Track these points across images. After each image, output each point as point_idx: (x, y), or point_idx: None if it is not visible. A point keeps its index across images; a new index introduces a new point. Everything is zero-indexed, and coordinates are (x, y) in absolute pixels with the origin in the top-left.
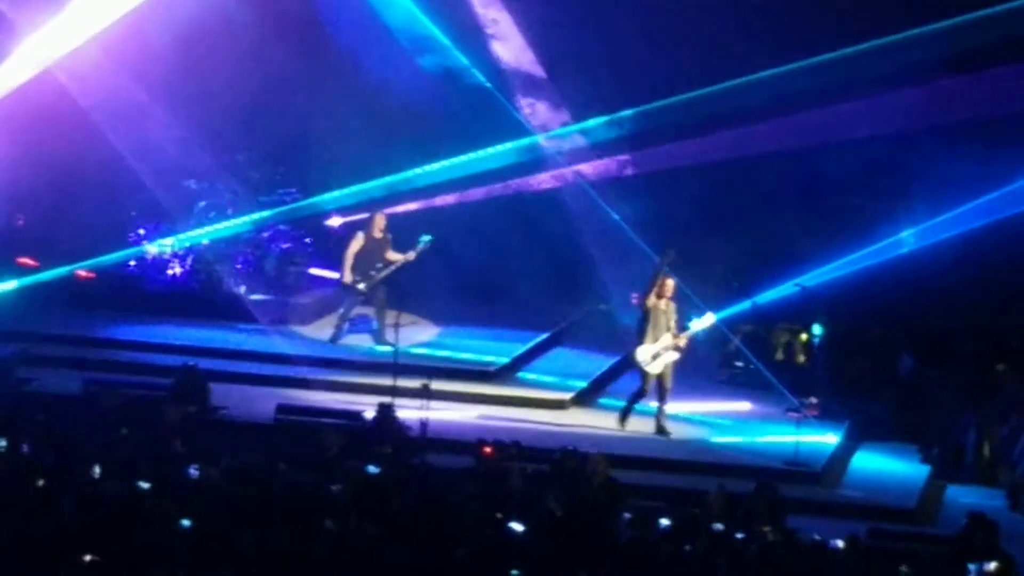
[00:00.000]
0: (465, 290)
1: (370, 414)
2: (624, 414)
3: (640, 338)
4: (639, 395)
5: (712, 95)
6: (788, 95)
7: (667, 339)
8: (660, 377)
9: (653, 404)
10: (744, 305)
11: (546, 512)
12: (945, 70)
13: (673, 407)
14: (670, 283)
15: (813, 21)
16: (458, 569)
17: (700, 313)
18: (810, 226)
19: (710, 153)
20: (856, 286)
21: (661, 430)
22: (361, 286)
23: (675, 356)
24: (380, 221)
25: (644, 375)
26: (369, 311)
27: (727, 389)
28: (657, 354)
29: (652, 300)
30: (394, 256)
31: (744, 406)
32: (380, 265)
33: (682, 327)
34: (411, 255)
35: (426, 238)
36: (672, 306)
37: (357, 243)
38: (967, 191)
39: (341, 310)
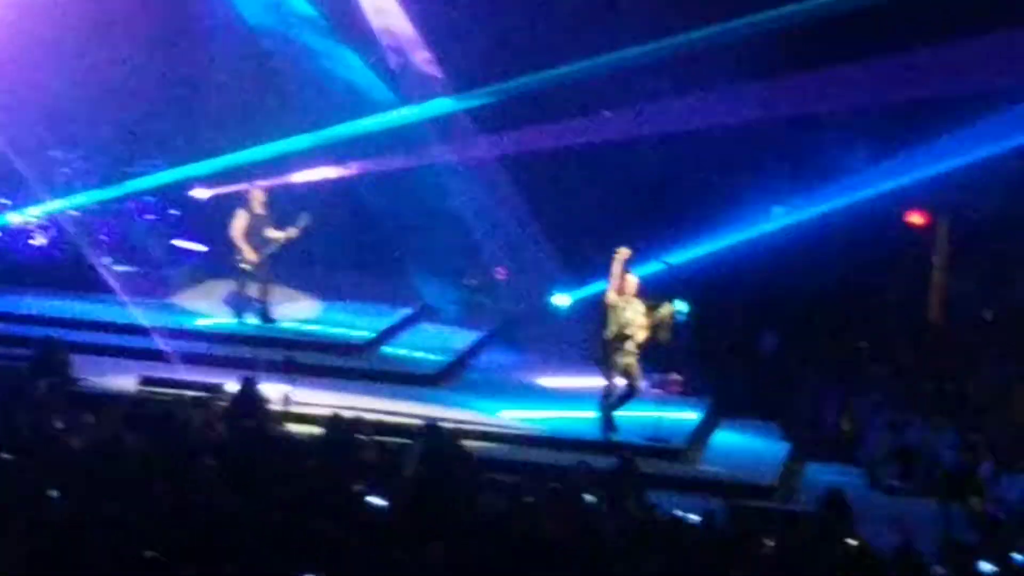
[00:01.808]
0: (336, 263)
1: (233, 387)
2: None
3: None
4: (605, 395)
5: (568, 77)
6: (647, 81)
7: (631, 335)
8: (627, 374)
9: None
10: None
11: (404, 484)
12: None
13: (534, 381)
14: (632, 280)
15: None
16: (317, 538)
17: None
18: (674, 206)
19: (575, 136)
20: (719, 264)
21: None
22: (254, 259)
23: (635, 354)
24: (259, 195)
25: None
26: (253, 288)
27: (588, 365)
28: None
29: (612, 297)
30: (276, 234)
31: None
32: (265, 242)
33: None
34: (293, 231)
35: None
36: (636, 303)
37: (241, 220)
38: (828, 173)
39: (235, 288)
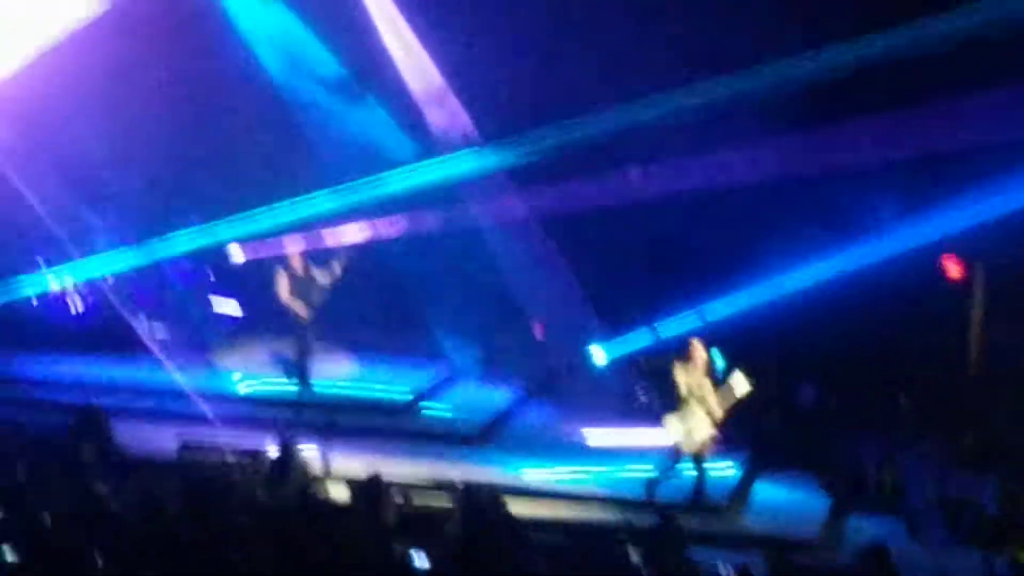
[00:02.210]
0: (377, 321)
1: (273, 450)
2: (652, 486)
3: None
4: (671, 469)
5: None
6: (678, 136)
7: (701, 414)
8: (697, 453)
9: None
10: (647, 337)
11: (446, 545)
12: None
13: (574, 438)
14: (701, 354)
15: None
16: None
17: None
18: (708, 261)
19: (607, 193)
20: (756, 318)
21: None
22: (303, 317)
23: (710, 432)
24: (297, 256)
25: (677, 449)
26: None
27: (628, 421)
28: (691, 430)
29: (679, 372)
30: (322, 279)
31: (645, 438)
32: (315, 295)
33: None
34: (336, 269)
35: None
36: (705, 381)
37: (284, 280)
38: (863, 226)
39: (294, 352)
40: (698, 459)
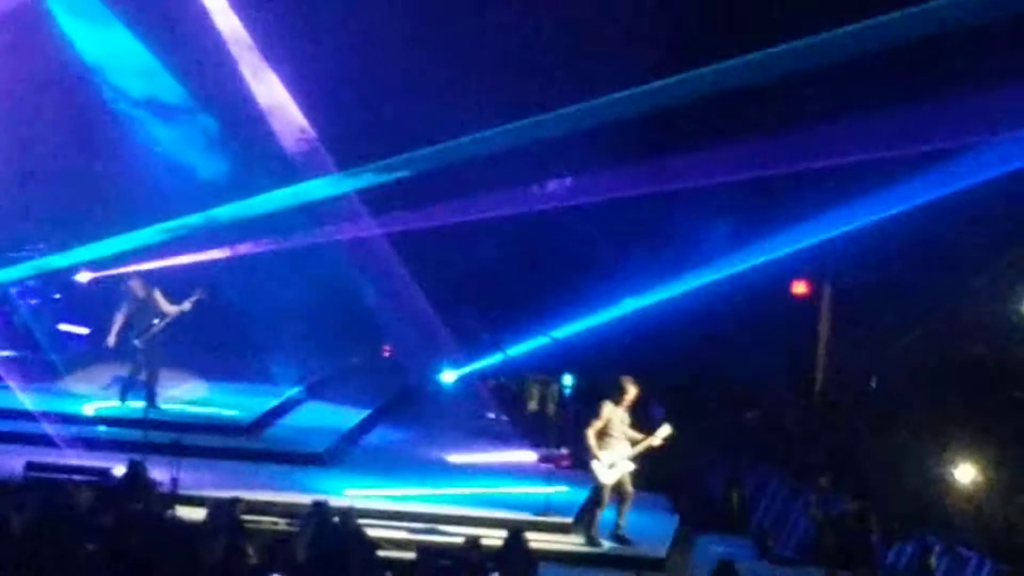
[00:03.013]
0: (227, 342)
1: (120, 470)
2: (588, 525)
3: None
4: (595, 504)
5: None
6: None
7: (623, 448)
8: (618, 485)
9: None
10: (496, 357)
11: (297, 566)
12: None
13: (422, 458)
14: (632, 389)
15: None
16: None
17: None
18: (559, 281)
19: (457, 215)
20: (605, 337)
21: (621, 539)
22: (139, 343)
23: (632, 467)
24: (136, 285)
25: (599, 485)
26: (140, 370)
27: (478, 440)
28: (613, 464)
29: (609, 406)
30: (170, 308)
31: (495, 457)
32: (156, 320)
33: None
34: (187, 305)
35: None
36: (627, 414)
37: (123, 311)
38: (712, 247)
39: (127, 372)
40: (619, 492)
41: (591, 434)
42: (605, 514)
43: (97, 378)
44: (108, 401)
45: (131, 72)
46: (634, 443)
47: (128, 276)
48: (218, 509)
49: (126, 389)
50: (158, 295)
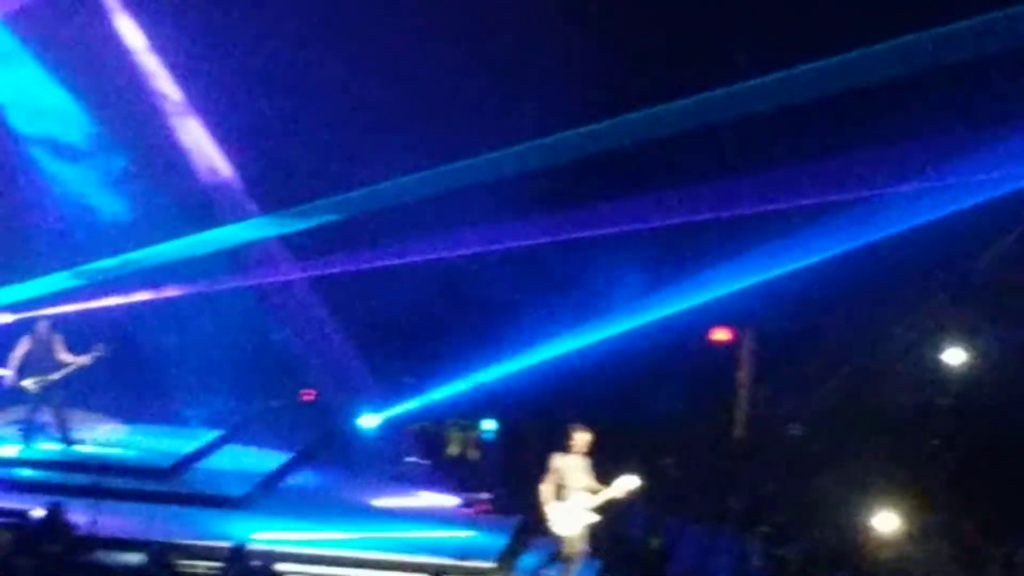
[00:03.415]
0: (141, 385)
1: (38, 512)
2: None
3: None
4: (565, 559)
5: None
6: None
7: (582, 500)
8: (571, 540)
9: None
10: (416, 401)
11: None
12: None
13: (343, 502)
14: (581, 437)
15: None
16: None
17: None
18: (478, 326)
19: (378, 260)
20: (527, 382)
21: None
22: (32, 386)
23: (593, 518)
24: (42, 328)
25: (559, 539)
26: (46, 413)
27: (400, 484)
28: (570, 513)
29: (559, 456)
30: (68, 358)
31: (417, 501)
32: (55, 371)
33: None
34: (86, 359)
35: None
36: (583, 462)
37: (22, 348)
38: (629, 294)
39: (21, 414)
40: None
41: (544, 489)
42: (527, 560)
43: (14, 419)
44: (26, 442)
45: (37, 110)
46: (594, 493)
47: (40, 317)
48: (140, 552)
49: (28, 432)
50: (59, 344)
